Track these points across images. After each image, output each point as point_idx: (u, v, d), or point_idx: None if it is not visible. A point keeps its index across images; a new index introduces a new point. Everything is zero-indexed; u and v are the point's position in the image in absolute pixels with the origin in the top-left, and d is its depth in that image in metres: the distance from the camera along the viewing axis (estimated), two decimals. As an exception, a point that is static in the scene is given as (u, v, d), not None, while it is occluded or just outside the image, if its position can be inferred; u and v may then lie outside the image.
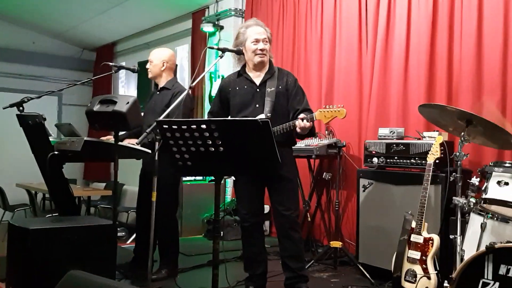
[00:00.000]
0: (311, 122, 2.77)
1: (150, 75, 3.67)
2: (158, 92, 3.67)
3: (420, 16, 3.88)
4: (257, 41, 2.95)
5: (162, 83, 3.64)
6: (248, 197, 3.02)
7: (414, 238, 2.91)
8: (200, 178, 5.35)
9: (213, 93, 5.80)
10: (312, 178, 4.53)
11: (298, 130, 2.76)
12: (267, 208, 4.68)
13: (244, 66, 3.07)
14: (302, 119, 2.73)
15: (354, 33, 4.40)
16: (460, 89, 3.62)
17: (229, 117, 3.06)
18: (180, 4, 6.25)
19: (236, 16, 5.77)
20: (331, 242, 3.97)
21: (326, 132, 4.48)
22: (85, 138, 2.85)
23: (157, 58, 3.63)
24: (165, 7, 6.41)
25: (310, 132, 2.90)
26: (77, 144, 2.85)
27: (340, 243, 3.95)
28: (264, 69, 3.01)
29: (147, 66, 3.65)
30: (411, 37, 3.96)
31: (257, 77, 3.01)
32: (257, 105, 2.92)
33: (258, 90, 2.97)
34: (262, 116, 2.87)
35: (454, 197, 2.74)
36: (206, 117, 3.47)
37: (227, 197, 5.72)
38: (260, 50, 2.95)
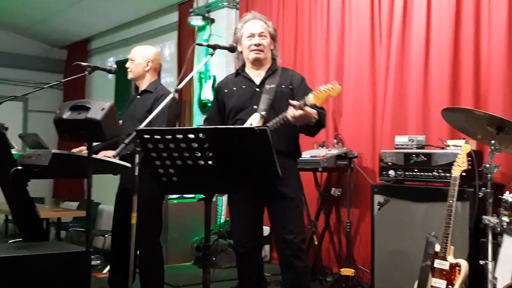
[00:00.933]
0: (307, 109, 2.68)
1: (130, 76, 3.66)
2: (138, 96, 3.66)
3: (441, 5, 3.91)
4: (252, 35, 2.97)
5: (144, 85, 3.63)
6: (243, 218, 3.00)
7: (438, 264, 2.90)
8: (189, 195, 5.34)
9: (203, 97, 5.81)
10: (319, 195, 4.52)
11: (291, 119, 2.70)
12: (267, 230, 4.67)
13: (243, 65, 3.09)
14: (295, 106, 2.68)
15: (366, 25, 4.42)
16: (489, 90, 3.63)
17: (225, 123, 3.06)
18: (164, -6, 6.28)
19: (229, 7, 5.80)
20: (342, 270, 3.95)
21: (335, 140, 4.49)
22: (54, 151, 2.83)
23: (140, 56, 3.63)
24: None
25: (318, 123, 2.83)
26: (45, 157, 2.83)
27: (353, 270, 3.93)
28: (265, 67, 3.03)
29: (128, 65, 3.64)
30: (431, 30, 3.97)
31: (257, 76, 3.02)
32: (255, 107, 2.92)
33: (258, 89, 2.97)
34: (256, 116, 2.86)
35: (484, 216, 2.73)
36: (201, 125, 3.45)
37: (219, 217, 5.70)
38: (255, 45, 2.95)
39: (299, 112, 2.67)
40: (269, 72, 3.01)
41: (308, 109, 2.69)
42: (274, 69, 3.03)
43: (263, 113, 2.85)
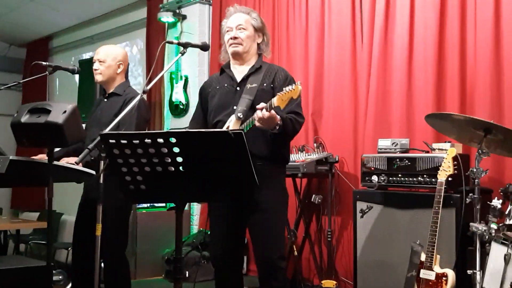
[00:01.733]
0: (271, 111, 2.60)
1: (100, 79, 3.60)
2: (105, 100, 3.62)
3: (426, 3, 3.95)
4: (230, 29, 2.97)
5: (112, 88, 3.60)
6: (222, 228, 2.93)
7: (424, 274, 2.92)
8: (159, 204, 5.29)
9: (174, 98, 5.78)
10: (299, 202, 4.53)
11: (256, 123, 2.65)
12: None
13: (228, 61, 3.07)
14: (261, 109, 2.62)
15: (346, 23, 4.45)
16: (475, 91, 3.68)
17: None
18: (131, -11, 6.24)
19: (202, 3, 5.79)
20: (323, 282, 3.95)
21: (315, 144, 4.50)
22: (11, 157, 2.79)
23: (111, 57, 3.57)
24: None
25: (284, 132, 2.75)
26: (1, 164, 2.78)
27: (335, 282, 3.94)
28: (248, 63, 3.00)
29: (96, 67, 3.57)
30: (415, 29, 4.02)
31: (240, 73, 2.99)
32: (235, 107, 2.87)
33: (238, 88, 2.94)
34: (232, 118, 2.82)
35: (471, 223, 2.77)
36: (186, 127, 3.40)
37: (192, 227, 5.67)
38: (231, 38, 2.94)
39: (265, 113, 2.59)
40: (252, 69, 2.97)
41: (273, 112, 2.61)
42: (257, 66, 2.98)
43: (240, 114, 2.79)
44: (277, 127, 2.70)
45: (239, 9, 3.05)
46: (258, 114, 2.61)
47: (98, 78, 3.59)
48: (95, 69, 3.58)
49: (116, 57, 3.59)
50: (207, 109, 3.05)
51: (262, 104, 2.63)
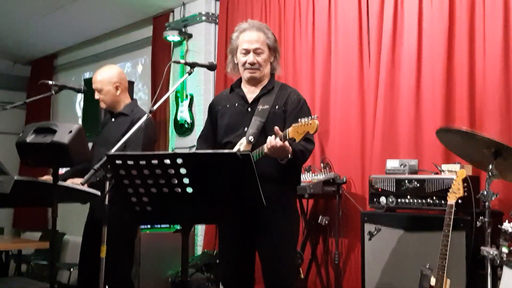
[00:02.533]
0: (284, 142, 2.59)
1: (104, 106, 3.65)
2: (113, 119, 3.65)
3: (433, 21, 3.98)
4: (246, 51, 2.90)
5: (119, 109, 3.63)
6: (233, 249, 2.91)
7: (434, 298, 2.90)
8: (164, 225, 5.28)
9: (179, 117, 5.80)
10: (305, 223, 4.51)
11: (265, 150, 2.63)
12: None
13: (239, 79, 3.03)
14: (277, 134, 2.60)
15: (354, 41, 4.48)
16: (484, 110, 3.68)
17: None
18: (138, 7, 6.29)
19: (208, 22, 5.84)
20: (330, 305, 3.92)
21: (322, 165, 4.50)
22: (16, 177, 2.79)
23: (105, 82, 3.59)
24: (119, 10, 6.45)
25: (293, 163, 2.74)
26: (5, 184, 2.79)
27: (342, 306, 3.91)
28: (261, 84, 2.96)
29: (97, 96, 3.62)
30: (423, 47, 4.04)
31: (251, 93, 2.95)
32: (246, 129, 2.85)
33: (249, 109, 2.90)
34: (243, 140, 2.81)
35: (482, 247, 2.75)
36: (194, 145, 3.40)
37: (197, 248, 5.65)
38: (249, 63, 2.89)
39: (279, 142, 2.58)
40: (264, 90, 2.93)
41: (286, 143, 2.60)
42: (270, 87, 2.94)
43: (250, 138, 2.77)
44: (285, 160, 2.69)
45: (256, 25, 2.94)
46: (271, 141, 2.59)
47: (102, 105, 3.66)
48: (96, 98, 3.62)
49: (111, 80, 3.60)
50: (215, 126, 3.02)
51: (276, 130, 2.60)
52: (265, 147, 2.64)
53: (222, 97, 3.09)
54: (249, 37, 2.90)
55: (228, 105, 2.99)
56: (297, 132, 2.57)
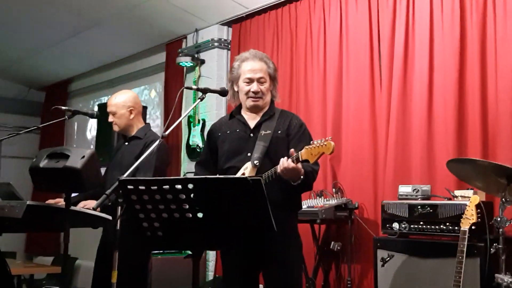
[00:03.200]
0: (298, 165, 2.65)
1: (117, 129, 3.70)
2: (126, 143, 3.68)
3: (445, 47, 3.99)
4: (250, 80, 2.95)
5: (132, 133, 3.67)
6: (237, 277, 2.92)
7: (448, 326, 2.86)
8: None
9: (192, 142, 5.84)
10: (317, 249, 4.48)
11: (279, 171, 2.67)
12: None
13: (239, 106, 3.08)
14: (291, 156, 2.65)
15: (365, 67, 4.50)
16: (497, 136, 3.66)
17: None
18: (151, 34, 6.39)
19: (220, 48, 5.90)
20: (342, 333, 3.87)
21: (334, 190, 4.49)
22: (28, 202, 2.82)
23: (120, 106, 3.65)
24: (132, 37, 6.55)
25: (305, 183, 2.79)
26: (18, 209, 2.82)
27: (354, 333, 3.86)
28: (262, 111, 3.02)
29: (111, 119, 3.67)
30: (434, 73, 4.04)
31: (252, 119, 3.01)
32: (249, 154, 2.90)
33: (252, 135, 2.96)
34: (248, 165, 2.85)
35: (496, 274, 2.72)
36: (192, 171, 3.47)
37: (208, 273, 5.62)
38: (253, 92, 2.95)
39: (291, 164, 2.62)
40: (266, 116, 2.99)
41: (299, 165, 2.65)
42: (271, 113, 3.01)
43: (256, 162, 2.82)
44: (298, 181, 2.73)
45: (258, 55, 3.02)
46: (284, 163, 2.63)
47: (115, 128, 3.70)
48: (110, 121, 3.67)
49: (125, 104, 3.66)
50: (215, 152, 3.06)
51: (291, 151, 2.66)
52: (278, 169, 2.67)
53: (221, 123, 3.14)
54: (252, 67, 2.97)
55: (228, 131, 3.03)
56: (311, 154, 2.62)
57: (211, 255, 5.63)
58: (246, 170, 2.83)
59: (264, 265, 2.87)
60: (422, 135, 4.05)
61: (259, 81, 2.95)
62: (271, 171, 2.76)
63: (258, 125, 2.98)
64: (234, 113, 3.08)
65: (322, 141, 2.60)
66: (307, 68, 5.01)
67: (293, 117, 3.06)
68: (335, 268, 4.50)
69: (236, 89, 3.04)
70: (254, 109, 3.01)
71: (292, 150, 2.68)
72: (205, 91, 2.93)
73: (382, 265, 3.63)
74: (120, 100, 3.66)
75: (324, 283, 4.48)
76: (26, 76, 8.37)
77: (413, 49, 4.18)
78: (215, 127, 3.15)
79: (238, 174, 2.83)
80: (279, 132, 2.95)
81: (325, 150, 2.60)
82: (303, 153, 2.64)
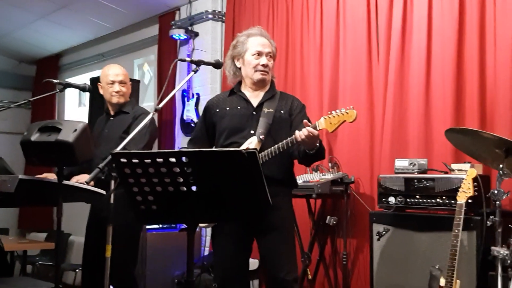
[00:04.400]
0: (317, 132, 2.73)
1: (123, 100, 3.70)
2: (112, 118, 3.68)
3: (444, 19, 3.97)
4: (259, 54, 3.00)
5: (122, 107, 3.67)
6: (229, 250, 2.97)
7: (443, 299, 2.89)
8: (169, 225, 5.29)
9: (186, 117, 5.82)
10: (313, 224, 4.51)
11: (299, 139, 2.72)
12: (255, 263, 4.64)
13: (239, 83, 3.11)
14: (309, 125, 2.73)
15: (362, 40, 4.47)
16: (496, 109, 3.67)
17: (215, 145, 3.06)
18: (143, 5, 6.32)
19: (214, 20, 5.85)
20: (338, 307, 3.92)
21: (330, 164, 4.49)
22: (20, 176, 2.81)
23: (128, 77, 3.74)
24: (124, 9, 6.47)
25: (319, 152, 2.86)
26: (10, 183, 2.81)
27: (350, 307, 3.91)
28: (264, 89, 3.07)
29: (118, 88, 3.65)
30: (433, 45, 4.03)
31: (255, 97, 3.05)
32: (252, 131, 2.95)
33: (254, 113, 3.00)
34: (253, 139, 2.89)
35: (492, 247, 2.74)
36: (184, 147, 3.49)
37: (202, 248, 5.66)
38: (262, 65, 3.00)
39: (315, 131, 2.70)
40: (268, 95, 3.05)
41: (317, 132, 2.73)
42: (273, 92, 3.07)
43: (262, 137, 2.88)
44: (315, 148, 2.81)
45: (264, 33, 3.10)
46: (308, 131, 2.69)
47: (121, 100, 3.67)
48: (118, 91, 3.63)
49: (129, 77, 3.71)
50: (211, 128, 3.09)
51: (305, 122, 2.75)
52: (298, 137, 2.72)
53: (219, 100, 3.15)
54: (262, 41, 3.04)
55: (228, 108, 3.05)
56: (330, 123, 2.74)
57: (207, 231, 5.66)
58: (251, 144, 2.88)
59: (259, 235, 2.94)
60: (419, 108, 4.05)
61: (268, 55, 3.03)
62: (273, 148, 2.83)
63: (261, 104, 3.02)
64: (236, 89, 3.09)
65: (345, 109, 2.71)
66: (303, 41, 4.98)
67: (294, 98, 3.15)
68: (331, 243, 4.54)
69: (238, 65, 3.06)
70: (260, 83, 3.04)
71: (305, 121, 2.76)
72: (199, 63, 2.92)
73: (378, 239, 3.65)
74: (126, 72, 3.70)
75: (319, 257, 4.52)
76: (16, 50, 8.30)
77: (411, 21, 4.15)
78: (212, 103, 3.15)
79: (242, 148, 2.84)
80: (282, 112, 3.02)
81: (347, 118, 2.72)
82: (321, 122, 2.74)
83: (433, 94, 4.00)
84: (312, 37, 4.88)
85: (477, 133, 2.88)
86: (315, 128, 2.72)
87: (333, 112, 2.74)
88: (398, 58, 4.19)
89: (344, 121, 2.73)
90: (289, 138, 2.80)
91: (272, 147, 2.84)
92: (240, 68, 3.06)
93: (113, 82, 3.64)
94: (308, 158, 2.90)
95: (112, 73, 3.67)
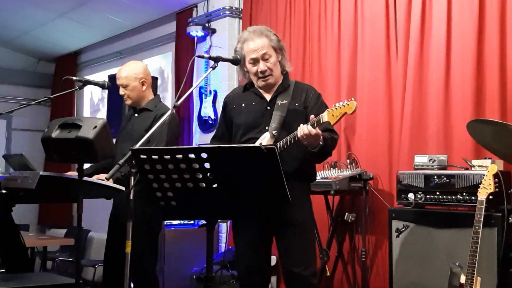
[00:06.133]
0: (318, 130, 2.69)
1: (130, 103, 3.68)
2: (136, 115, 3.69)
3: (463, 13, 3.93)
4: (255, 61, 2.95)
5: (143, 105, 3.67)
6: (249, 247, 2.98)
7: (464, 297, 2.87)
8: (187, 221, 5.32)
9: (203, 113, 5.84)
10: (331, 220, 4.51)
11: (299, 135, 2.70)
12: (273, 260, 4.64)
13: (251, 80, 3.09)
14: (307, 124, 2.69)
15: (381, 35, 4.45)
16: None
17: (232, 141, 3.06)
18: (161, 3, 6.35)
19: (231, 16, 5.85)
20: (356, 303, 3.91)
21: (348, 160, 4.48)
22: (41, 173, 2.85)
23: (133, 78, 3.62)
24: (141, 6, 6.51)
25: (324, 150, 2.82)
26: (31, 180, 2.85)
27: (369, 304, 3.90)
28: (276, 84, 3.03)
29: (122, 92, 3.65)
30: (452, 40, 3.99)
31: (268, 92, 3.03)
32: (266, 127, 2.93)
33: (268, 108, 2.98)
34: (266, 135, 2.88)
35: (514, 243, 2.72)
36: (206, 144, 3.50)
37: (221, 245, 5.68)
38: (261, 72, 2.95)
39: (312, 130, 2.65)
40: (281, 89, 3.01)
41: (318, 130, 2.69)
42: (286, 85, 3.03)
43: (274, 132, 2.86)
44: (318, 146, 2.76)
45: (257, 31, 2.98)
46: (304, 130, 2.66)
47: (128, 102, 3.67)
48: (122, 95, 3.64)
49: (137, 75, 3.63)
50: (230, 124, 3.08)
51: (312, 117, 2.71)
52: (298, 133, 2.70)
53: (235, 95, 3.15)
54: (253, 46, 2.94)
55: (243, 104, 3.05)
56: (333, 115, 2.68)
57: (224, 228, 5.68)
58: (264, 140, 2.87)
59: (277, 231, 2.93)
60: (439, 104, 4.02)
61: (264, 58, 2.94)
62: (287, 138, 2.79)
63: (274, 98, 3.00)
64: (249, 85, 3.09)
65: (344, 102, 2.67)
66: (320, 36, 4.96)
67: (309, 88, 3.08)
68: (349, 239, 4.53)
69: (245, 69, 3.05)
70: (267, 87, 3.02)
71: (312, 116, 2.72)
72: (216, 59, 2.93)
73: (397, 236, 3.64)
74: (131, 72, 3.63)
75: (338, 254, 4.52)
76: (35, 48, 8.39)
77: (431, 16, 4.12)
78: (230, 98, 3.16)
79: (256, 144, 2.84)
80: (296, 104, 2.97)
81: (347, 109, 2.66)
82: (325, 115, 2.69)
83: (452, 89, 3.97)
84: (330, 31, 4.86)
85: (500, 124, 2.84)
86: (319, 121, 2.68)
87: (336, 104, 2.70)
88: (417, 53, 4.16)
89: (345, 113, 2.68)
90: (291, 134, 2.78)
91: (279, 142, 2.81)
92: (248, 72, 3.04)
93: (119, 86, 3.66)
94: (311, 156, 2.85)
95: (117, 76, 3.68)
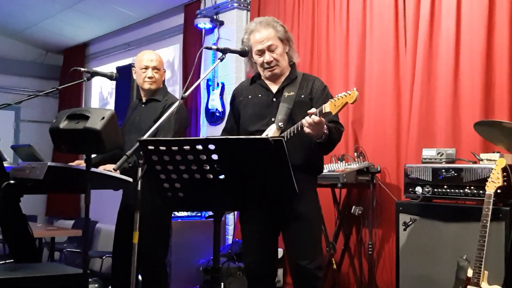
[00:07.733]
0: (321, 118, 2.68)
1: (155, 87, 3.67)
2: (143, 105, 3.69)
3: (472, 7, 3.90)
4: (261, 52, 2.95)
5: (154, 94, 3.67)
6: (256, 239, 2.99)
7: (471, 290, 2.87)
8: (194, 213, 5.34)
9: (211, 105, 5.84)
10: (338, 213, 4.51)
11: (305, 129, 2.69)
12: (280, 252, 4.65)
13: (259, 72, 3.09)
14: (310, 115, 2.68)
15: (389, 29, 4.43)
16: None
17: (239, 133, 3.07)
18: (169, -5, 6.35)
19: (240, 8, 5.84)
20: (363, 296, 3.91)
21: (355, 154, 4.47)
22: (49, 163, 2.86)
23: (162, 63, 3.71)
24: (150, -2, 6.52)
25: (329, 139, 2.82)
26: (39, 170, 2.85)
27: (375, 297, 3.90)
28: (283, 75, 3.03)
29: (151, 74, 3.63)
30: (461, 34, 3.97)
31: (275, 84, 3.03)
32: (273, 119, 2.93)
33: (274, 99, 2.99)
34: (272, 127, 2.88)
35: (522, 237, 2.71)
36: (213, 132, 3.51)
37: (227, 237, 5.69)
38: (267, 63, 2.95)
39: (316, 118, 2.65)
40: (288, 81, 3.01)
41: (323, 119, 2.68)
42: (293, 77, 3.02)
43: (280, 124, 2.86)
44: (323, 136, 2.75)
45: (263, 23, 2.98)
46: (307, 119, 2.66)
47: (152, 86, 3.65)
48: (150, 77, 3.63)
49: (163, 63, 3.72)
50: (238, 117, 3.09)
51: (313, 109, 2.69)
52: (304, 126, 2.69)
53: (242, 88, 3.16)
54: (259, 37, 2.94)
55: (250, 96, 3.05)
56: (334, 105, 2.68)
57: (230, 220, 5.69)
58: (270, 131, 2.87)
59: (284, 223, 2.93)
60: (447, 97, 4.00)
61: (270, 49, 2.94)
62: (292, 128, 2.79)
63: (281, 89, 3.00)
64: (256, 78, 3.09)
65: (346, 92, 2.66)
66: (329, 28, 4.94)
67: (315, 80, 3.08)
68: (356, 233, 4.53)
69: (253, 60, 3.05)
70: (273, 78, 3.02)
71: (310, 111, 2.70)
72: (224, 51, 2.93)
73: (404, 229, 3.64)
74: (161, 58, 3.71)
75: (344, 247, 4.52)
76: (43, 40, 8.41)
77: (440, 8, 4.09)
78: (237, 91, 3.17)
79: (263, 136, 2.85)
80: (302, 96, 2.97)
81: (348, 99, 2.65)
82: (327, 106, 2.69)
83: (461, 83, 3.95)
84: (339, 23, 4.85)
85: (505, 125, 2.83)
86: (321, 111, 2.68)
87: (338, 94, 2.70)
88: (426, 46, 4.14)
89: (347, 102, 2.67)
90: (296, 124, 2.78)
91: (284, 133, 2.81)
92: (255, 63, 3.04)
93: (146, 68, 3.64)
94: (316, 147, 2.85)
95: (146, 58, 3.66)
